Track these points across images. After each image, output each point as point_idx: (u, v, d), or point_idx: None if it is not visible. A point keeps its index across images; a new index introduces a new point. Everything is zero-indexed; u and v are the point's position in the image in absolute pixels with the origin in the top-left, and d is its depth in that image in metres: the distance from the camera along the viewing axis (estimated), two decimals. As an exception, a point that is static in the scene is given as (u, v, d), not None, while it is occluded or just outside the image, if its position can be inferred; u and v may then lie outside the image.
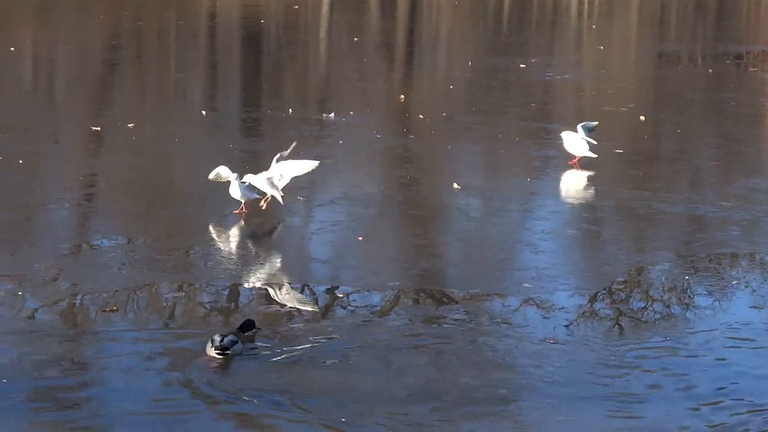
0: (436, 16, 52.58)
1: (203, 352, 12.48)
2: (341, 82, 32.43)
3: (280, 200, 17.45)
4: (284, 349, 12.80)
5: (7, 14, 47.37)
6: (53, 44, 38.67)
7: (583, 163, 21.60)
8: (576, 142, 21.58)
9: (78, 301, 14.12)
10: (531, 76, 32.58)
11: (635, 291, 15.32)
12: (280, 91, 30.95)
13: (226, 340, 12.40)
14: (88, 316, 13.70)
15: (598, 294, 14.98)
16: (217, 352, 12.35)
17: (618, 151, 23.17)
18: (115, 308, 13.86)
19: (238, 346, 12.50)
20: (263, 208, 17.65)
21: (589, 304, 14.61)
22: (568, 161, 21.74)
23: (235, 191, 17.58)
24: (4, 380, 11.88)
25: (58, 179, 19.35)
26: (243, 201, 17.74)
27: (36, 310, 13.86)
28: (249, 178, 17.53)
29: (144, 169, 20.87)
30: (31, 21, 45.09)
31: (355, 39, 40.83)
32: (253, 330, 12.98)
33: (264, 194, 17.68)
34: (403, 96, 29.35)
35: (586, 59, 38.74)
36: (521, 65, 34.29)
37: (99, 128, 24.03)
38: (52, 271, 15.16)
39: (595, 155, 21.48)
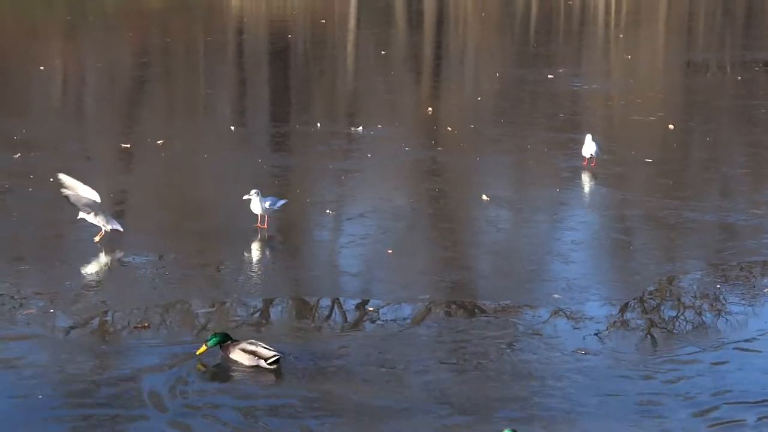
0: (463, 29, 52.60)
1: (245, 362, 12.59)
2: (369, 96, 32.48)
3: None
4: (315, 362, 12.83)
5: (36, 32, 47.67)
6: (82, 62, 38.88)
7: (599, 164, 21.80)
8: (588, 144, 22.26)
9: (109, 318, 14.18)
10: (559, 87, 32.53)
11: (666, 300, 15.26)
12: (309, 106, 31.02)
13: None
14: (119, 332, 13.74)
15: (629, 304, 14.94)
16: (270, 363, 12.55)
17: (647, 160, 23.10)
18: (146, 324, 13.91)
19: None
20: None
21: (619, 314, 14.57)
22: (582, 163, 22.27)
23: (256, 206, 17.69)
24: (40, 396, 11.95)
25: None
26: (263, 215, 17.88)
27: (68, 327, 13.93)
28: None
29: (174, 185, 20.95)
30: (60, 39, 45.36)
31: (383, 52, 40.86)
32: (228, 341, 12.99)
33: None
34: (431, 109, 29.36)
35: (614, 69, 38.63)
36: (549, 76, 34.24)
37: (129, 145, 24.14)
38: (84, 288, 15.24)
39: (602, 156, 22.30)
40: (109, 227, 17.09)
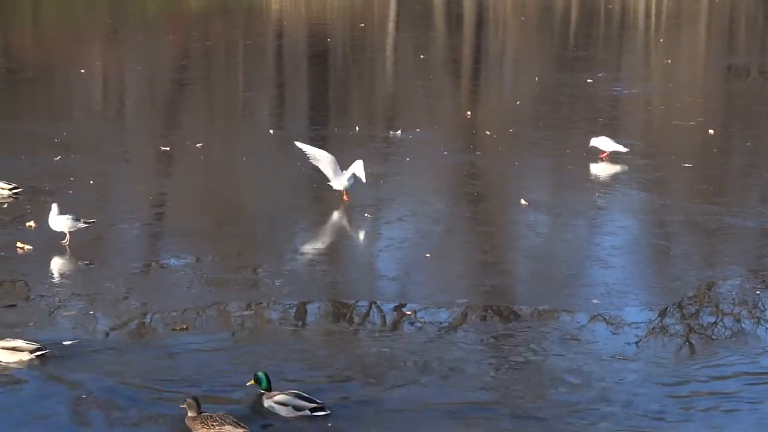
0: (502, 32, 52.50)
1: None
2: (408, 100, 32.46)
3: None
4: (353, 365, 12.85)
5: (78, 35, 47.96)
6: (123, 65, 39.07)
7: (639, 169, 21.75)
8: (604, 140, 23.12)
9: (148, 320, 14.24)
10: (598, 91, 32.41)
11: (706, 306, 15.17)
12: (347, 109, 31.05)
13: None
14: (158, 334, 13.80)
15: (668, 309, 14.86)
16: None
17: (687, 165, 22.98)
18: (185, 327, 13.97)
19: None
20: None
21: (658, 319, 14.49)
22: (598, 156, 23.04)
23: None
24: (83, 395, 12.01)
25: (128, 199, 19.53)
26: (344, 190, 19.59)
27: (107, 329, 14.00)
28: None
29: (213, 188, 21.02)
30: (101, 42, 45.60)
31: (422, 56, 40.83)
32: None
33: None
34: (469, 112, 29.32)
35: (654, 73, 38.44)
36: (588, 80, 34.13)
37: (168, 148, 24.23)
38: (123, 290, 15.31)
39: (625, 149, 23.01)
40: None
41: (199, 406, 11.52)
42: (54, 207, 17.20)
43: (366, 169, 19.78)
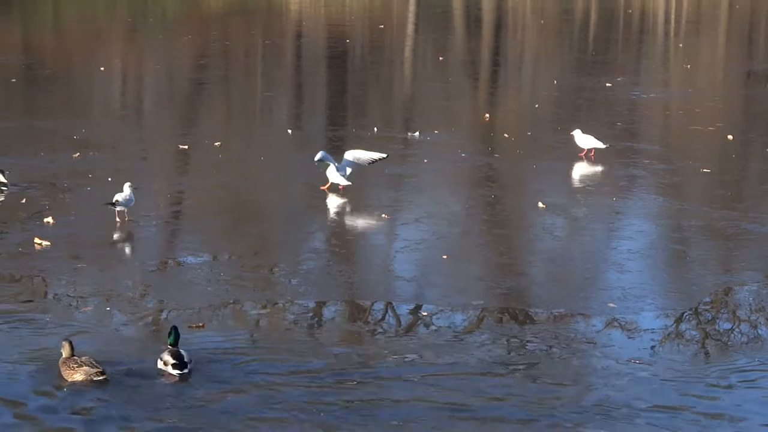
0: (521, 35, 52.48)
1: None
2: (426, 101, 32.47)
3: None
4: (367, 367, 12.85)
5: (98, 35, 48.10)
6: (142, 64, 39.18)
7: (657, 173, 21.68)
8: (585, 137, 23.63)
9: (164, 317, 14.26)
10: (617, 95, 32.37)
11: (722, 312, 15.13)
12: (366, 110, 31.07)
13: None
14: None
15: (684, 315, 14.83)
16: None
17: (705, 170, 22.94)
18: (201, 324, 13.99)
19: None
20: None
21: (674, 324, 14.46)
22: (579, 154, 23.59)
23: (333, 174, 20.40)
24: (97, 398, 12.04)
25: (146, 196, 19.57)
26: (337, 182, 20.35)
27: (124, 325, 14.03)
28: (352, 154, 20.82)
29: (230, 186, 21.05)
30: (120, 41, 45.74)
31: (440, 58, 40.85)
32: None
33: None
34: (488, 115, 29.30)
35: (673, 78, 38.39)
36: (607, 84, 34.09)
37: (186, 146, 24.29)
38: (140, 288, 15.35)
39: (605, 145, 23.48)
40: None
41: (72, 348, 12.46)
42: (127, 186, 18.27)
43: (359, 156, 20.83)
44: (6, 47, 41.10)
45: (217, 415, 11.64)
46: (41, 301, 14.76)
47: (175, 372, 12.49)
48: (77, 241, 17.36)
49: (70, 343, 12.54)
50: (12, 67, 35.86)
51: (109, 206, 18.15)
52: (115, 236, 17.90)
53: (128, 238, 17.93)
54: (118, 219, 18.30)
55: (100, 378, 12.28)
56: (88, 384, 12.22)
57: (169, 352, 12.64)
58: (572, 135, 23.90)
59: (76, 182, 20.73)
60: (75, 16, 55.59)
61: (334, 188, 20.59)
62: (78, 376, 12.32)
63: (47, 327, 13.77)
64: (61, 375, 12.39)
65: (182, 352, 12.67)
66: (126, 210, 18.35)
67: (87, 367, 12.32)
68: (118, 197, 18.25)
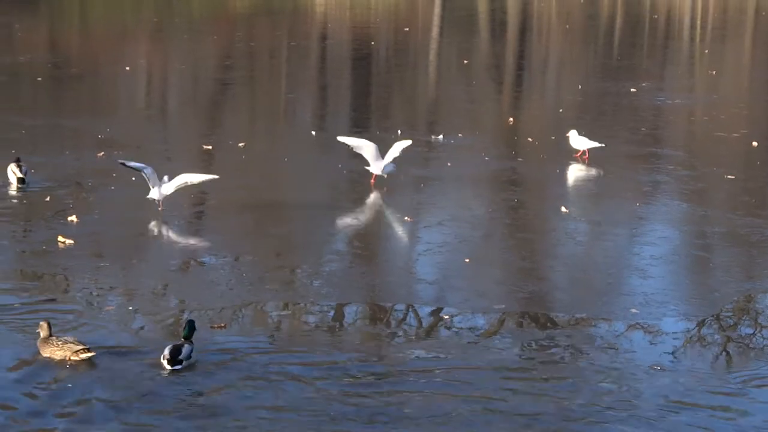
0: (546, 39, 52.42)
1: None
2: (450, 104, 32.46)
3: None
4: (386, 368, 12.86)
5: (124, 34, 48.25)
6: (167, 64, 39.29)
7: (680, 179, 21.68)
8: (580, 138, 23.93)
9: (186, 317, 14.29)
10: (642, 101, 32.29)
11: (744, 318, 15.08)
12: (390, 113, 31.08)
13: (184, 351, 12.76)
14: (197, 331, 13.83)
15: (706, 321, 14.79)
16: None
17: (729, 176, 22.86)
18: (223, 325, 14.02)
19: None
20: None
21: (696, 330, 14.42)
22: (574, 155, 23.80)
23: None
24: (118, 390, 12.09)
25: (169, 196, 19.59)
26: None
27: (145, 324, 14.08)
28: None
29: (253, 187, 21.09)
30: (146, 41, 45.88)
31: (465, 61, 40.84)
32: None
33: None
34: (512, 119, 29.28)
35: (698, 84, 38.27)
36: (632, 89, 34.02)
37: (210, 147, 24.35)
38: (161, 287, 15.39)
39: (601, 144, 23.82)
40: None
41: (50, 328, 12.85)
42: (165, 179, 18.79)
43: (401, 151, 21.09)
44: (33, 46, 41.28)
45: (234, 414, 11.67)
46: (64, 299, 14.82)
47: (167, 366, 12.59)
48: (100, 240, 17.42)
49: (48, 323, 12.91)
50: (38, 66, 36.02)
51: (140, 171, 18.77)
52: (139, 236, 17.96)
53: (151, 237, 17.99)
54: (160, 208, 18.85)
55: (87, 355, 12.62)
56: (73, 361, 12.60)
57: (172, 345, 12.76)
58: (567, 136, 24.18)
59: (100, 181, 20.80)
60: (101, 15, 55.80)
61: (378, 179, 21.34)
62: (61, 353, 12.66)
63: (70, 324, 13.82)
64: (42, 353, 12.77)
65: (184, 348, 12.75)
66: (161, 201, 18.73)
67: (72, 344, 12.69)
68: (154, 194, 18.73)
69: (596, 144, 23.87)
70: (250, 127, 28.23)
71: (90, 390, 12.11)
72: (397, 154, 21.05)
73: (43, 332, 12.88)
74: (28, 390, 12.09)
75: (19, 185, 20.16)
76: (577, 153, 24.04)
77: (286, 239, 17.95)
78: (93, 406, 11.79)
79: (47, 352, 12.75)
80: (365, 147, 21.11)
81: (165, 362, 12.63)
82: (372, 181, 21.27)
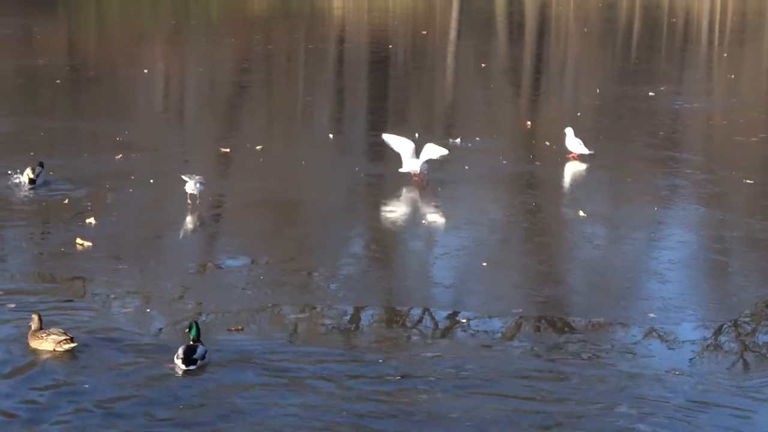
0: (564, 43, 52.33)
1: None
2: (468, 108, 32.42)
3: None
4: (403, 370, 12.85)
5: (141, 37, 48.35)
6: (185, 67, 39.35)
7: (699, 183, 21.70)
8: (574, 140, 24.25)
9: (203, 320, 14.30)
10: (660, 105, 32.20)
11: (762, 324, 15.02)
12: (407, 116, 31.06)
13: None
14: (213, 334, 13.85)
15: (725, 326, 14.73)
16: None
17: (748, 181, 22.77)
18: (240, 327, 14.02)
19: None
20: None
21: (714, 336, 14.37)
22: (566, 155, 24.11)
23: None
24: (131, 389, 12.10)
25: (187, 199, 19.62)
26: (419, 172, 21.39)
27: (163, 327, 14.10)
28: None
29: (270, 190, 21.10)
30: (163, 44, 45.96)
31: (483, 65, 40.80)
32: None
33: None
34: (529, 122, 29.23)
35: (717, 88, 38.15)
36: (650, 93, 33.92)
37: (228, 149, 24.37)
38: (179, 290, 15.41)
39: (590, 152, 24.04)
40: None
41: (40, 321, 13.15)
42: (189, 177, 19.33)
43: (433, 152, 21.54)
44: (51, 49, 41.40)
45: (250, 415, 11.67)
46: (80, 301, 14.84)
47: (181, 365, 12.63)
48: (118, 242, 17.45)
49: (39, 316, 13.21)
50: (56, 69, 36.12)
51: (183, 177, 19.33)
52: (156, 238, 17.98)
53: (169, 239, 18.02)
54: (189, 201, 19.22)
55: (70, 346, 12.87)
56: (57, 353, 12.86)
57: (186, 346, 12.81)
58: (564, 133, 24.55)
59: (118, 183, 20.84)
60: (119, 18, 55.91)
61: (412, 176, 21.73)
62: (46, 345, 12.92)
63: (87, 326, 13.84)
64: (30, 345, 13.04)
65: (199, 348, 12.78)
66: (198, 194, 19.28)
67: (55, 336, 12.96)
68: (189, 187, 19.28)
69: (585, 150, 24.08)
70: (267, 130, 28.25)
71: (105, 390, 12.13)
72: (431, 156, 21.51)
73: (33, 325, 13.16)
74: (42, 389, 12.13)
75: (30, 185, 20.21)
76: (569, 153, 24.13)
77: (303, 242, 17.95)
78: (109, 406, 11.80)
79: (34, 344, 13.05)
80: (405, 145, 21.67)
81: (179, 362, 12.64)
82: (416, 178, 21.60)
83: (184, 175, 19.43)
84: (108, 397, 12.03)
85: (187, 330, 13.13)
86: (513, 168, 23.48)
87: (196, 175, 19.47)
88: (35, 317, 13.21)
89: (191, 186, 19.13)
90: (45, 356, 12.93)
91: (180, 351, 12.73)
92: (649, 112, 31.09)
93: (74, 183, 20.80)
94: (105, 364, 12.80)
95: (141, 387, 12.28)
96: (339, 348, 13.51)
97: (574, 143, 24.22)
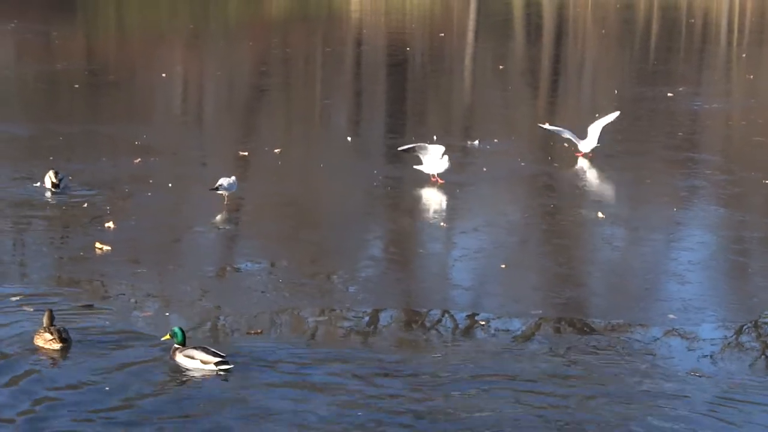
0: (582, 44, 52.25)
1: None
2: (486, 110, 32.41)
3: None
4: (421, 373, 12.84)
5: (160, 41, 48.45)
6: (203, 70, 39.41)
7: (718, 184, 21.62)
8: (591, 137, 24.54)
9: (222, 323, 14.32)
10: (678, 105, 32.13)
11: (783, 325, 14.97)
12: (425, 118, 31.06)
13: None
14: (233, 337, 13.86)
15: (745, 327, 14.69)
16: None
17: (767, 181, 22.70)
18: (259, 330, 14.03)
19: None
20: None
21: (735, 336, 14.33)
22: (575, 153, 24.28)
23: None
24: (149, 398, 12.12)
25: (206, 202, 19.68)
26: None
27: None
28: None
29: (289, 193, 21.12)
30: (182, 47, 46.04)
31: (500, 66, 40.77)
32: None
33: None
34: (547, 124, 29.19)
35: (736, 88, 38.05)
36: (669, 94, 33.85)
37: (246, 153, 24.40)
38: (198, 293, 15.42)
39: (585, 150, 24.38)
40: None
41: (51, 319, 13.30)
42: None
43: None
44: (69, 53, 41.52)
45: (270, 416, 11.69)
46: (100, 305, 14.87)
47: (222, 367, 12.63)
48: (137, 246, 17.48)
49: (51, 313, 13.40)
50: (75, 73, 36.22)
51: (213, 190, 19.47)
52: (175, 242, 18.02)
53: (187, 243, 18.04)
54: (227, 202, 19.66)
55: (57, 346, 13.07)
56: (47, 351, 13.11)
57: (201, 350, 12.76)
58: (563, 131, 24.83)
59: (137, 187, 20.88)
60: (137, 22, 56.05)
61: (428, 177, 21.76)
62: (39, 341, 13.18)
63: (106, 330, 13.87)
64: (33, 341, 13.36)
65: (212, 349, 12.84)
66: (227, 194, 19.62)
67: (47, 335, 13.17)
68: (222, 182, 19.56)
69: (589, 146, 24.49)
70: (286, 133, 28.28)
71: (124, 391, 12.15)
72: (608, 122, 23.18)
73: (45, 320, 13.34)
74: (70, 389, 12.17)
75: (53, 190, 20.27)
76: (579, 152, 24.18)
77: (322, 245, 17.96)
78: (129, 405, 11.83)
79: (35, 339, 13.32)
80: (432, 150, 21.56)
81: (215, 366, 12.64)
82: (435, 179, 21.63)
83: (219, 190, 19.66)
84: (127, 396, 12.05)
85: (169, 336, 13.10)
86: (531, 170, 23.45)
87: (227, 178, 19.77)
88: (47, 313, 13.37)
89: (585, 145, 19.83)
90: (61, 358, 12.96)
91: (207, 357, 12.68)
92: (668, 113, 31.02)
93: (93, 187, 20.85)
94: (124, 366, 12.82)
95: (159, 387, 12.30)
96: (358, 350, 13.51)
97: (586, 143, 24.31)
